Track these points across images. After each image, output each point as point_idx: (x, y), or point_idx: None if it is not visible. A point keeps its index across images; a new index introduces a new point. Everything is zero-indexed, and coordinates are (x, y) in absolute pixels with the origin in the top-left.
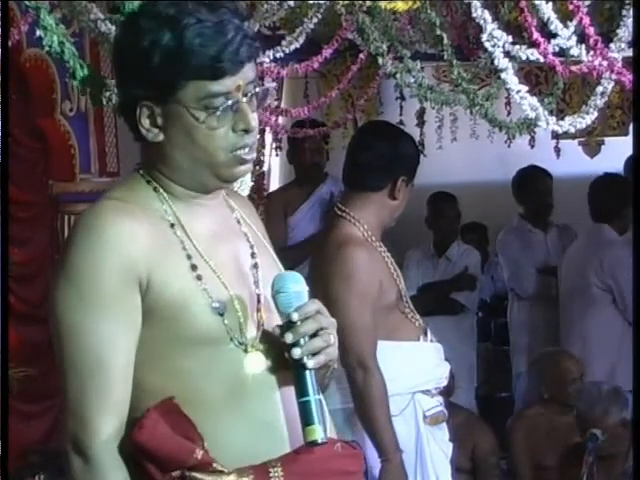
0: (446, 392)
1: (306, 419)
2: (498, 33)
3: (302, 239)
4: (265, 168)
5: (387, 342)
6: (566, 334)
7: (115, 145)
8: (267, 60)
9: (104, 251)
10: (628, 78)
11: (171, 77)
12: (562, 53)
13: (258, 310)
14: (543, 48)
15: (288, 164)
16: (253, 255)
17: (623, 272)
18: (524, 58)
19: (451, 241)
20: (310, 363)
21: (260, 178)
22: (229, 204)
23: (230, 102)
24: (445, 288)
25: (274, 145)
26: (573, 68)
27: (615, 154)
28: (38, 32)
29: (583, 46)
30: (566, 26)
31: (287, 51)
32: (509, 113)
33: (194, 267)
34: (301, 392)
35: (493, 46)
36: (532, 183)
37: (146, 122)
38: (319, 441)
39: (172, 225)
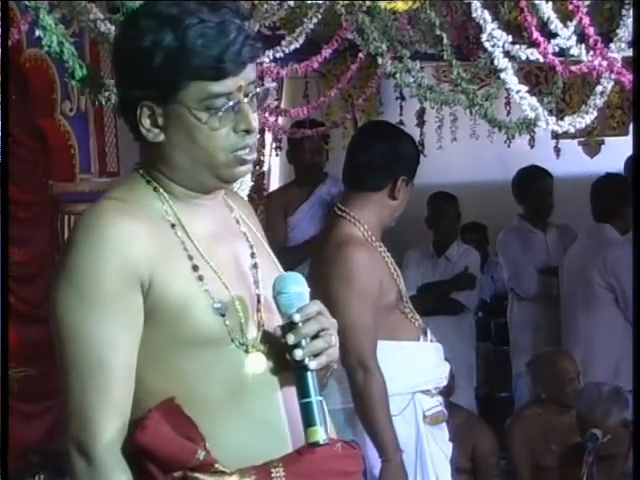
0: (446, 392)
1: (308, 420)
2: (498, 33)
3: (302, 239)
4: (265, 168)
5: (387, 342)
6: (568, 334)
7: (115, 145)
8: (267, 60)
9: (105, 251)
10: (628, 78)
11: (173, 77)
12: (562, 53)
13: (258, 310)
14: (543, 48)
15: (288, 164)
16: (253, 255)
17: (625, 271)
18: (524, 58)
19: (451, 241)
20: (312, 364)
21: (260, 178)
22: (228, 204)
23: (231, 103)
24: (445, 288)
25: (274, 145)
26: (573, 68)
27: (615, 154)
28: (37, 32)
29: (583, 46)
30: (566, 26)
31: (287, 51)
32: (509, 113)
33: (195, 268)
34: (302, 393)
35: (493, 46)
36: (533, 183)
37: (147, 122)
38: (321, 442)
39: (173, 225)
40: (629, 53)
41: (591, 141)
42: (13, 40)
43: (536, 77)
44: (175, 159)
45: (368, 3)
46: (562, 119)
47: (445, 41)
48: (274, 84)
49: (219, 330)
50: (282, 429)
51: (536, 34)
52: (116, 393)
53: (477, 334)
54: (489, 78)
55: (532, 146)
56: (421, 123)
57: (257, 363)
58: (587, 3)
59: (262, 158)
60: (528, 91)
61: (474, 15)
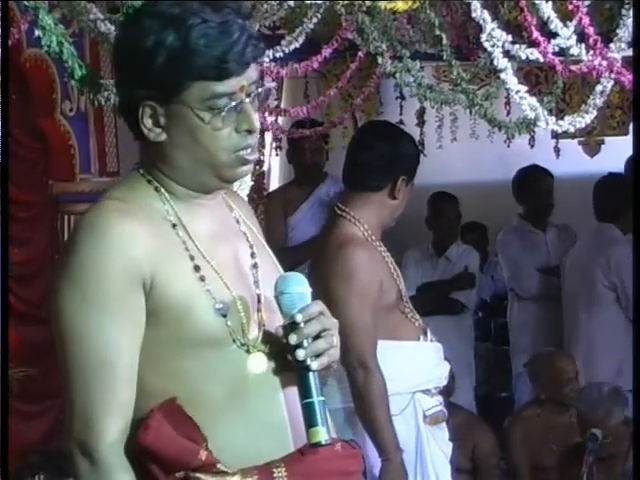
0: (446, 392)
1: (310, 421)
2: (497, 33)
3: (302, 239)
4: (265, 168)
5: (387, 342)
6: (569, 334)
7: (115, 145)
8: (267, 60)
9: (107, 252)
10: (628, 78)
11: (175, 77)
12: (562, 53)
13: (259, 310)
14: (543, 48)
15: (288, 164)
16: (253, 255)
17: (628, 271)
18: (524, 58)
19: (451, 242)
20: (314, 365)
21: (260, 178)
22: (228, 204)
23: (234, 103)
24: (445, 288)
25: (274, 145)
26: (573, 68)
27: (615, 154)
28: (37, 32)
29: (583, 46)
30: (566, 26)
31: (287, 51)
32: (509, 113)
33: (197, 268)
34: (304, 394)
35: (492, 46)
36: (533, 183)
37: (148, 122)
38: (323, 442)
39: (174, 225)
40: (629, 53)
41: (591, 141)
42: (13, 40)
43: (536, 77)
44: (176, 159)
45: (368, 3)
46: (562, 119)
47: (445, 41)
48: (274, 84)
49: (221, 330)
50: (284, 429)
51: (536, 34)
52: (119, 393)
53: (477, 334)
54: (489, 78)
55: (532, 146)
56: (421, 123)
57: (258, 363)
58: (587, 3)
59: (262, 158)
60: (528, 91)
61: (474, 15)
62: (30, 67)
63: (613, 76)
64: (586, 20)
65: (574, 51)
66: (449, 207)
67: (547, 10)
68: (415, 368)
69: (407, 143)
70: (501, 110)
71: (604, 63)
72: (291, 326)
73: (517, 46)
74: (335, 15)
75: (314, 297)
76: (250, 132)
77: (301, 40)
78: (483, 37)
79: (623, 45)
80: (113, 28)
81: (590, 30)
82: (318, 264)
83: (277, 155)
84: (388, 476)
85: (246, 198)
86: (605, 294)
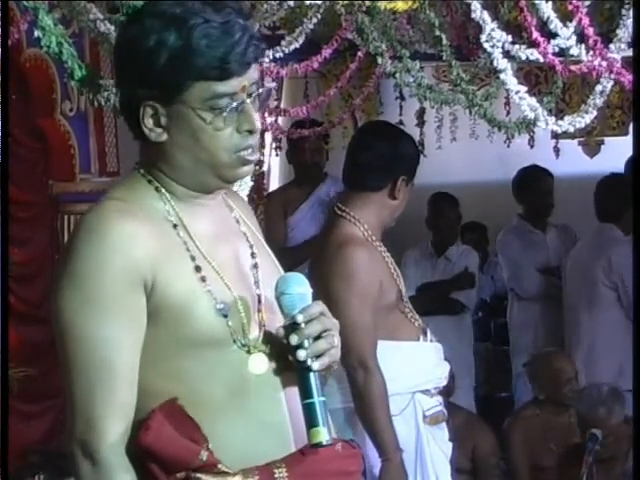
0: (446, 392)
1: (311, 421)
2: (497, 34)
3: (302, 239)
4: (265, 168)
5: (387, 342)
6: (571, 334)
7: (115, 145)
8: (267, 60)
9: (108, 252)
10: (627, 78)
11: (177, 77)
12: (562, 53)
13: (259, 311)
14: (543, 48)
15: (288, 164)
16: (253, 255)
17: (629, 271)
18: (524, 58)
19: (451, 242)
20: (315, 365)
21: (260, 178)
22: (228, 204)
23: (235, 103)
24: (445, 288)
25: (274, 145)
26: (573, 68)
27: (615, 154)
28: (36, 33)
29: (583, 46)
30: (566, 26)
31: (287, 51)
32: (508, 113)
33: (198, 268)
34: (305, 394)
35: (492, 47)
36: (533, 183)
37: (149, 122)
38: (324, 443)
39: (175, 226)
40: (629, 53)
41: (591, 141)
42: (13, 40)
43: (536, 77)
44: (177, 159)
45: (368, 3)
46: (562, 119)
47: (444, 41)
48: (274, 84)
49: (222, 331)
50: (284, 429)
51: (536, 34)
52: (120, 394)
53: (477, 334)
54: (489, 78)
55: (532, 146)
56: (421, 123)
57: (259, 364)
58: (587, 3)
59: (262, 158)
60: (528, 91)
61: (473, 16)
62: (30, 67)
63: (613, 76)
64: (586, 20)
65: (574, 51)
66: (449, 208)
67: (547, 10)
68: (415, 368)
69: (407, 143)
70: (501, 110)
71: (604, 63)
72: (292, 326)
73: (517, 46)
74: (335, 15)
75: (314, 297)
76: (251, 132)
77: (301, 40)
78: (483, 38)
79: (623, 45)
80: (113, 28)
81: (590, 30)
82: (318, 264)
83: (277, 155)
84: (388, 476)
85: (246, 198)
86: (606, 294)
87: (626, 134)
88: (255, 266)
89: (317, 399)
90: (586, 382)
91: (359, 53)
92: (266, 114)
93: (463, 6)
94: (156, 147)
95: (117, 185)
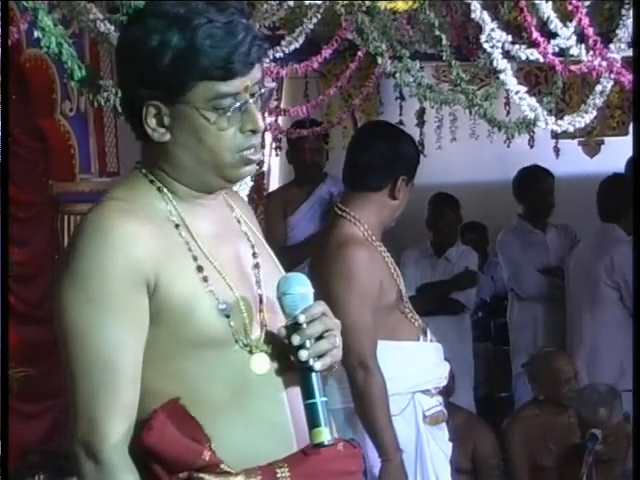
0: (446, 392)
1: (313, 421)
2: (497, 34)
3: (302, 239)
4: (265, 168)
5: (387, 342)
6: (573, 334)
7: (115, 145)
8: (267, 60)
9: (110, 252)
10: (627, 78)
11: (181, 78)
12: (562, 53)
13: (261, 311)
14: (543, 48)
15: (288, 164)
16: (254, 255)
17: (631, 270)
18: (524, 58)
19: (451, 243)
20: (317, 365)
21: (260, 178)
22: (229, 204)
23: (239, 103)
24: (445, 288)
25: (274, 145)
26: (573, 68)
27: (615, 154)
28: (36, 33)
29: (583, 46)
30: (566, 26)
31: (287, 51)
32: (508, 113)
33: (200, 268)
34: (307, 394)
35: (492, 47)
36: (534, 183)
37: (152, 122)
38: (326, 443)
39: (177, 226)
40: (629, 53)
41: (591, 141)
42: (13, 40)
43: (536, 77)
44: (180, 158)
45: (368, 3)
46: (561, 119)
47: (444, 42)
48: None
49: (224, 331)
50: (286, 429)
51: (536, 34)
52: (123, 394)
53: (477, 334)
54: (489, 78)
55: (532, 146)
56: (421, 123)
57: (261, 364)
58: (587, 3)
59: (262, 158)
60: (528, 91)
61: (473, 16)
62: (30, 67)
63: (613, 76)
64: (586, 20)
65: (574, 51)
66: (450, 208)
67: (547, 10)
68: (415, 368)
69: (407, 143)
70: (501, 110)
71: (604, 63)
72: (294, 327)
73: (517, 46)
74: (335, 15)
75: (314, 297)
76: (254, 132)
77: (301, 40)
78: (483, 38)
79: (623, 45)
80: (113, 28)
81: (590, 30)
82: (318, 264)
83: (277, 155)
84: (388, 476)
85: (246, 198)
86: (608, 294)
87: (626, 134)
88: (256, 266)
89: (319, 399)
90: (588, 382)
91: (359, 53)
92: (266, 114)
93: (463, 6)
94: (158, 147)
95: (118, 185)
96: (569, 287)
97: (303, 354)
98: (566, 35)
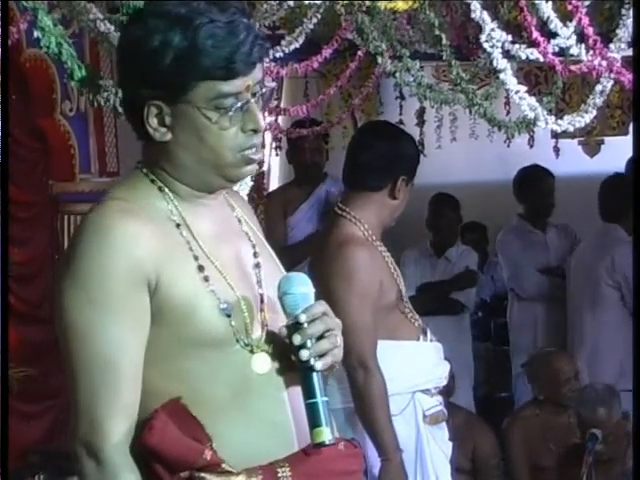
0: (446, 392)
1: (314, 421)
2: (497, 34)
3: (302, 239)
4: (265, 168)
5: (387, 342)
6: (575, 334)
7: (115, 145)
8: (267, 60)
9: (111, 252)
10: (627, 78)
11: (182, 77)
12: (562, 53)
13: (262, 310)
14: (543, 48)
15: (288, 164)
16: (255, 255)
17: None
18: (524, 57)
19: (451, 243)
20: (318, 365)
21: (260, 178)
22: (229, 203)
23: (240, 103)
24: (446, 288)
25: (274, 145)
26: (573, 68)
27: (615, 154)
28: (36, 33)
29: (583, 46)
30: (566, 26)
31: (287, 51)
32: (508, 112)
33: (201, 268)
34: (308, 394)
35: (492, 47)
36: (535, 182)
37: (154, 121)
38: (327, 442)
39: (178, 225)
40: (629, 53)
41: (591, 141)
42: (13, 40)
43: (536, 77)
44: (181, 158)
45: (368, 3)
46: (561, 118)
47: (444, 41)
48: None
49: (225, 331)
50: (288, 429)
51: (536, 34)
52: (124, 394)
53: (477, 334)
54: (489, 78)
55: (531, 146)
56: (421, 123)
57: (262, 363)
58: (587, 3)
59: (262, 158)
60: (528, 91)
61: (473, 16)
62: (30, 67)
63: (613, 76)
64: (586, 20)
65: (574, 51)
66: (450, 209)
67: (547, 10)
68: (415, 368)
69: (407, 143)
70: (501, 110)
71: (604, 63)
72: (295, 326)
73: (517, 46)
74: (335, 15)
75: (318, 298)
76: (256, 132)
77: (301, 40)
78: (483, 37)
79: (623, 45)
80: (113, 28)
81: (590, 30)
82: (318, 264)
83: (277, 155)
84: (388, 476)
85: (246, 198)
86: (609, 294)
87: (626, 134)
88: (257, 266)
89: (320, 399)
90: (589, 382)
91: (359, 53)
92: (266, 114)
93: (463, 6)
94: (159, 147)
95: (119, 185)
96: (570, 287)
97: (304, 354)
98: (566, 35)
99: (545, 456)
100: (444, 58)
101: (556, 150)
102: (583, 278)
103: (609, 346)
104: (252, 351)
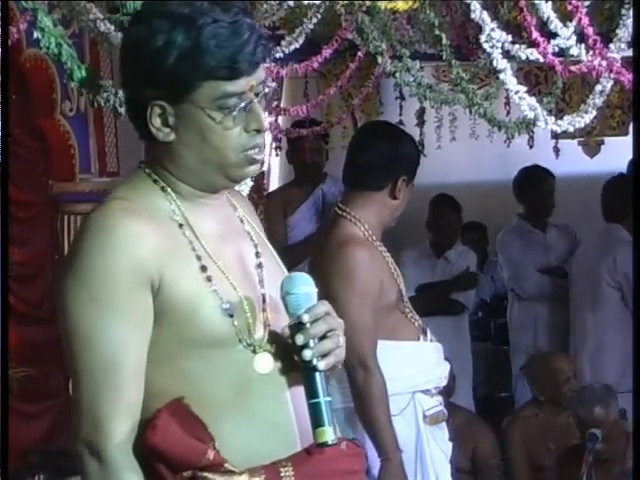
0: (446, 392)
1: (316, 421)
2: (497, 34)
3: (302, 239)
4: (265, 168)
5: (387, 342)
6: (577, 335)
7: (115, 145)
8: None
9: (113, 252)
10: (627, 78)
11: (186, 77)
12: (562, 53)
13: (264, 310)
14: (542, 48)
15: (288, 164)
16: (257, 255)
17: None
18: (524, 58)
19: (451, 244)
20: (321, 365)
21: (260, 178)
22: (232, 203)
23: (244, 103)
24: (446, 288)
25: (274, 145)
26: (572, 68)
27: (615, 154)
28: (36, 33)
29: (582, 46)
30: (565, 26)
31: (287, 51)
32: (508, 113)
33: (204, 268)
34: (311, 394)
35: (492, 47)
36: (535, 183)
37: (157, 121)
38: (330, 442)
39: (180, 225)
40: (629, 53)
41: (591, 141)
42: (13, 40)
43: (536, 77)
44: (184, 158)
45: (368, 3)
46: (561, 119)
47: (444, 41)
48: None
49: (227, 331)
50: (290, 429)
51: (536, 34)
52: (127, 393)
53: (477, 334)
54: (489, 78)
55: (531, 146)
56: (421, 123)
57: (264, 363)
58: (587, 3)
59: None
60: (528, 91)
61: (473, 16)
62: (30, 67)
63: (613, 76)
64: (586, 20)
65: (574, 51)
66: (450, 210)
67: (547, 10)
68: (415, 368)
69: (407, 143)
70: (501, 110)
71: (604, 63)
72: (297, 326)
73: (517, 46)
74: (335, 15)
75: (321, 298)
76: (259, 131)
77: (301, 40)
78: (482, 38)
79: (623, 45)
80: (113, 28)
81: (590, 30)
82: (318, 263)
83: (277, 155)
84: (387, 476)
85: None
86: (610, 294)
87: (626, 134)
88: (259, 265)
89: (323, 399)
90: (587, 380)
91: (359, 53)
92: (266, 114)
93: (463, 6)
94: (162, 146)
95: (122, 184)
96: (572, 287)
97: (307, 353)
98: (566, 35)
99: (545, 456)
100: (444, 58)
101: (556, 150)
102: (585, 278)
103: (611, 346)
104: (254, 351)
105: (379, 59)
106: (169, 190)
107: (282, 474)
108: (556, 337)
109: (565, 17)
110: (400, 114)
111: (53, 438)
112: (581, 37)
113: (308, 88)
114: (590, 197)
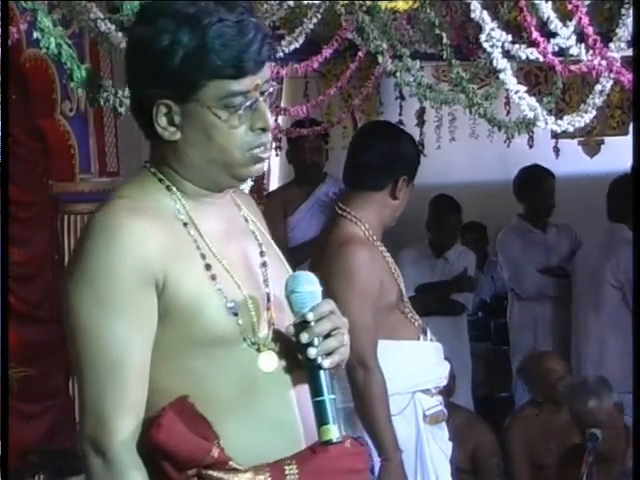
0: (446, 392)
1: (321, 419)
2: (497, 34)
3: (302, 239)
4: (265, 168)
5: (387, 341)
6: (579, 334)
7: (115, 145)
8: None
9: (117, 251)
10: (627, 78)
11: (192, 77)
12: (561, 53)
13: (268, 309)
14: (542, 47)
15: (288, 164)
16: (262, 254)
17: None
18: (524, 57)
19: (450, 244)
20: (325, 363)
21: (260, 178)
22: (236, 202)
23: (249, 101)
24: (445, 289)
25: (274, 145)
26: (572, 68)
27: (615, 154)
28: (35, 34)
29: (582, 45)
30: (565, 25)
31: (287, 51)
32: (508, 112)
33: (208, 267)
34: (315, 392)
35: (492, 47)
36: (535, 182)
37: (163, 121)
38: (334, 440)
39: (185, 224)
40: (629, 53)
41: (591, 141)
42: (13, 40)
43: (536, 77)
44: (190, 157)
45: (368, 3)
46: (561, 118)
47: (444, 41)
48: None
49: (232, 329)
50: (295, 427)
51: (536, 34)
52: (131, 392)
53: (477, 334)
54: (489, 78)
55: (531, 146)
56: (421, 123)
57: (269, 362)
58: (587, 3)
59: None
60: (528, 91)
61: (473, 16)
62: (30, 67)
63: (612, 76)
64: (585, 20)
65: (574, 51)
66: (450, 211)
67: (547, 10)
68: (415, 368)
69: (407, 143)
70: (501, 110)
71: (604, 63)
72: (302, 325)
73: (517, 46)
74: (335, 15)
75: (325, 296)
76: (264, 130)
77: (301, 40)
78: (482, 37)
79: (623, 45)
80: (113, 28)
81: (589, 30)
82: (318, 263)
83: (277, 155)
84: (387, 476)
85: None
86: (612, 294)
87: (626, 134)
88: (264, 264)
89: (327, 397)
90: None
91: (359, 53)
92: None
93: (463, 6)
94: (168, 146)
95: (126, 183)
96: (576, 287)
97: (312, 352)
98: (566, 35)
99: (545, 456)
100: (444, 58)
101: (556, 150)
102: (588, 278)
103: (613, 346)
104: (259, 350)
105: (379, 58)
106: (174, 189)
107: (287, 472)
108: (556, 337)
109: (565, 17)
110: (400, 114)
111: (53, 438)
112: (581, 37)
113: (308, 88)
114: (590, 197)
